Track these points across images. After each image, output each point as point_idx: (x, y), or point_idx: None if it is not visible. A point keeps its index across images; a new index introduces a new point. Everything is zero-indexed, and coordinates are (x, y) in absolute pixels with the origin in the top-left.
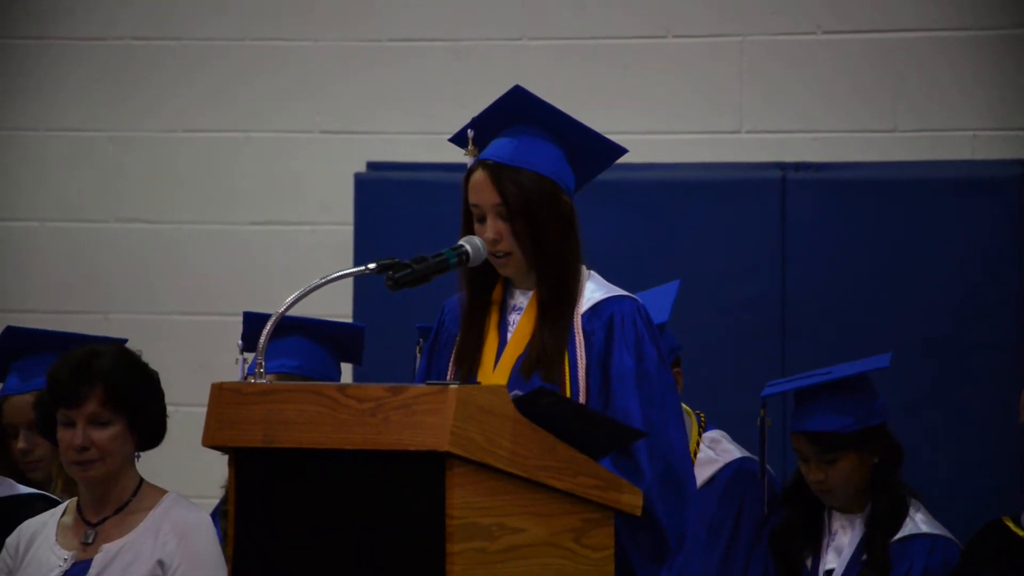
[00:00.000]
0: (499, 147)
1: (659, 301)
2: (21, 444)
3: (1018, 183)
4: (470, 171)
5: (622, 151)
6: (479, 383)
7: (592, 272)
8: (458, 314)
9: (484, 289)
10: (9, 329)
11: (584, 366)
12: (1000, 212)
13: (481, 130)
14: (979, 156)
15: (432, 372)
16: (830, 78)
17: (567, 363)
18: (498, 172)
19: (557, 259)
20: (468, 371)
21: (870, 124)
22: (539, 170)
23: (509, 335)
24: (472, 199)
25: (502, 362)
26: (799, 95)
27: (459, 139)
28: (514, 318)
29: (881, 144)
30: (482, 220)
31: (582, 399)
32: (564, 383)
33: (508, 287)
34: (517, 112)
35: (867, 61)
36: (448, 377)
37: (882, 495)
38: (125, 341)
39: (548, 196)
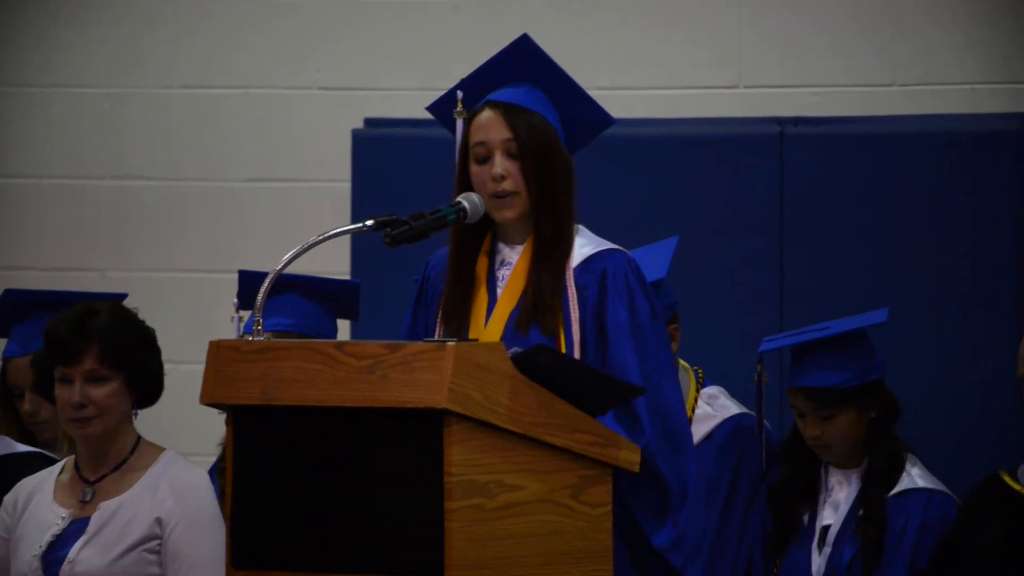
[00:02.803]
0: (505, 92)
1: (657, 257)
2: (27, 406)
3: (1017, 137)
4: (474, 114)
5: (610, 122)
6: (475, 340)
7: (580, 227)
8: (443, 269)
9: (472, 245)
10: (8, 292)
11: (578, 319)
12: (999, 166)
13: (478, 84)
14: (978, 110)
15: (418, 327)
16: (828, 32)
17: (560, 317)
18: (509, 111)
19: (560, 204)
20: (458, 328)
21: (868, 78)
22: (547, 117)
23: (499, 291)
24: (478, 137)
25: (494, 317)
26: (797, 49)
27: (442, 104)
28: (504, 273)
29: (880, 98)
30: (484, 160)
31: (577, 353)
32: (559, 337)
33: (496, 244)
34: (519, 65)
35: (865, 14)
36: (437, 334)
37: (879, 451)
38: (124, 296)
39: (555, 141)
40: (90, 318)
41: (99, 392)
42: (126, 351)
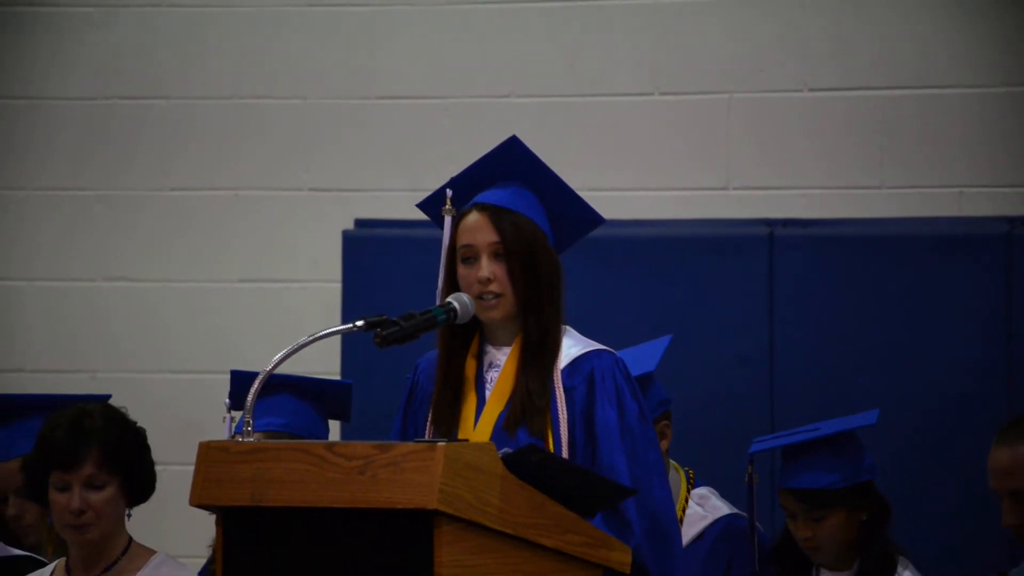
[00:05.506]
0: (492, 194)
1: (648, 353)
2: (11, 510)
3: (1005, 240)
4: (461, 216)
5: (599, 221)
6: (465, 440)
7: (568, 327)
8: (432, 372)
9: (461, 347)
10: None
11: (566, 421)
12: (987, 269)
13: (467, 183)
14: (966, 213)
15: (408, 431)
16: (817, 135)
17: (548, 419)
18: (496, 213)
19: (546, 305)
20: (448, 430)
21: (857, 181)
22: (534, 219)
23: (488, 392)
24: (465, 240)
25: (483, 419)
26: (786, 152)
27: (432, 202)
28: (492, 375)
29: (868, 201)
30: (471, 262)
31: (565, 454)
32: (547, 439)
33: (484, 345)
34: (508, 165)
35: (853, 118)
36: (426, 436)
37: (870, 552)
38: (108, 397)
39: (542, 242)
40: (85, 421)
41: (98, 498)
42: (123, 454)
